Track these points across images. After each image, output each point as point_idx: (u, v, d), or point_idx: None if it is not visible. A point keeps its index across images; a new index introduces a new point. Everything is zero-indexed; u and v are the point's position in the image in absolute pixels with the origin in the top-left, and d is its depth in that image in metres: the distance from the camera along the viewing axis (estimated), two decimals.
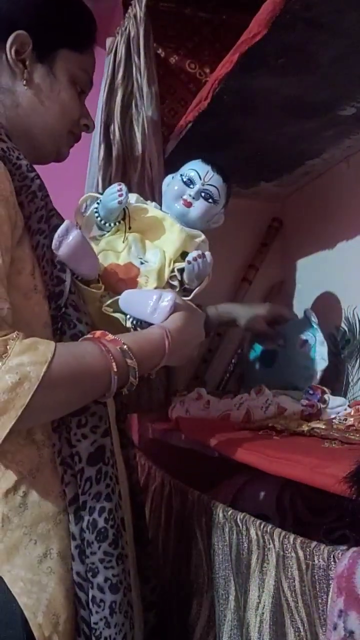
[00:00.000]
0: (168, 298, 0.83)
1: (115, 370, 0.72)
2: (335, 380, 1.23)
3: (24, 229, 0.76)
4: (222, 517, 0.85)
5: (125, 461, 0.87)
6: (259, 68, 0.97)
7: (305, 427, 0.95)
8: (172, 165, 1.38)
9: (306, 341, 1.27)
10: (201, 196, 0.94)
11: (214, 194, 0.95)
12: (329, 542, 0.81)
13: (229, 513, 0.83)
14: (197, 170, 0.95)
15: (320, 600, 0.64)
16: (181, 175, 0.96)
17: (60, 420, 0.75)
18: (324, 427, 0.95)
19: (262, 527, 0.76)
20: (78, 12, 0.90)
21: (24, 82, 0.85)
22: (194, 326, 0.87)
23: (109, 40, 1.40)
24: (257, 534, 0.76)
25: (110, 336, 0.75)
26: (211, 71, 1.38)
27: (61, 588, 0.73)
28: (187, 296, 0.90)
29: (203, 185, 0.94)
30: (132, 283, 0.87)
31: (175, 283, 0.90)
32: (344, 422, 1.00)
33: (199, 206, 0.95)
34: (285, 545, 0.70)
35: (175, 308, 0.83)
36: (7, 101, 0.85)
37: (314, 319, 1.27)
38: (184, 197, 0.94)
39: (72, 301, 0.78)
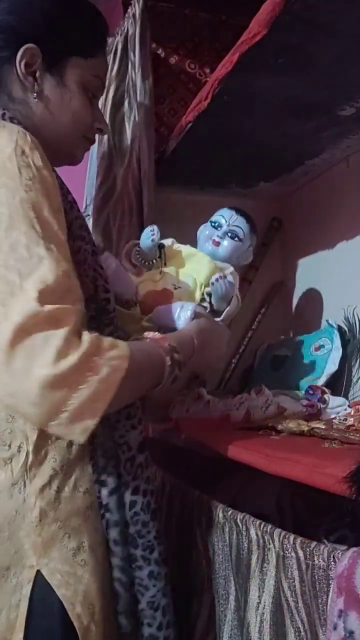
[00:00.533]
0: (189, 307, 0.99)
1: (169, 364, 0.80)
2: (335, 380, 1.23)
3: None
4: (222, 517, 0.85)
5: None
6: (259, 68, 0.97)
7: (305, 427, 0.94)
8: (173, 164, 1.39)
9: (322, 346, 1.28)
10: (228, 235, 1.12)
11: (239, 233, 1.12)
12: (329, 542, 0.81)
13: (229, 513, 0.83)
14: (223, 215, 1.14)
15: (320, 600, 0.64)
16: (211, 221, 1.15)
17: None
18: (324, 427, 0.95)
19: (262, 527, 0.76)
20: (86, 19, 0.90)
21: (34, 94, 0.86)
22: (211, 333, 0.98)
23: (108, 41, 1.40)
24: (257, 534, 0.76)
25: (158, 335, 0.85)
26: (211, 71, 1.38)
27: (94, 579, 0.77)
28: (218, 317, 1.05)
29: (229, 226, 1.12)
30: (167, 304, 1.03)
31: (206, 304, 1.07)
32: (344, 422, 0.99)
33: (227, 244, 1.12)
34: (285, 545, 0.70)
35: (195, 315, 0.98)
36: (23, 111, 0.86)
37: (334, 324, 1.29)
38: (213, 237, 1.12)
39: (108, 307, 0.84)
